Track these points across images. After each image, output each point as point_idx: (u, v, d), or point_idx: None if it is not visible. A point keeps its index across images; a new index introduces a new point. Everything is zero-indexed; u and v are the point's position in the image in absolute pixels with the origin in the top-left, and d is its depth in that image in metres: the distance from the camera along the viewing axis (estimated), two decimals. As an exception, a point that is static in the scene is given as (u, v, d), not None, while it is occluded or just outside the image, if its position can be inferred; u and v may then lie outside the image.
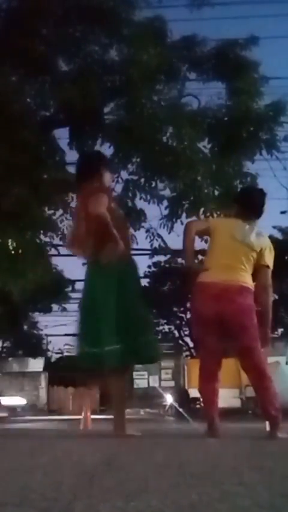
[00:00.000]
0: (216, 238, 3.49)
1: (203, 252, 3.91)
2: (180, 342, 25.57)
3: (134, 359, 3.29)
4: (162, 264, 24.44)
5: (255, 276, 3.45)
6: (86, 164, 3.65)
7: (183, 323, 25.88)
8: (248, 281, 3.39)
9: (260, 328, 3.33)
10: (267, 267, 3.47)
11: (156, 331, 3.98)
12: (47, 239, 8.37)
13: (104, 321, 3.15)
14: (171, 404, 16.57)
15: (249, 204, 3.62)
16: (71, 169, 8.29)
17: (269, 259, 3.49)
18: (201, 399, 3.55)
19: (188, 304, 25.00)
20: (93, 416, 7.00)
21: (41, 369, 26.54)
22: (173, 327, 26.81)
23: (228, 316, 3.29)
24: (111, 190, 3.77)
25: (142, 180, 8.13)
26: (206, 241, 4.39)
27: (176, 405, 15.70)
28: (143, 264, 25.45)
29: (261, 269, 3.46)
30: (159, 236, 8.77)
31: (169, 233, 8.15)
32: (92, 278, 3.30)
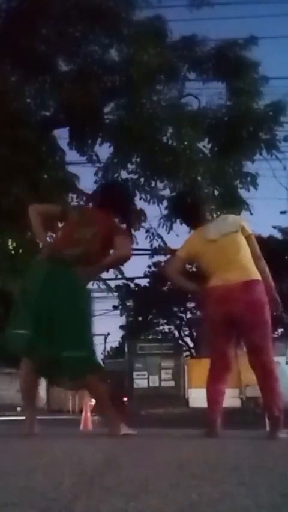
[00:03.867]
0: (199, 254, 3.50)
1: None
2: (180, 342, 25.60)
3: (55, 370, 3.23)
4: (162, 264, 24.45)
5: None
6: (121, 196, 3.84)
7: (183, 322, 25.91)
8: (252, 272, 3.33)
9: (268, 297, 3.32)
10: (251, 235, 3.47)
11: (94, 350, 3.77)
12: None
13: (31, 310, 3.12)
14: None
15: (186, 210, 3.76)
16: (71, 169, 8.32)
17: (248, 227, 3.49)
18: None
19: (188, 304, 25.05)
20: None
21: (41, 369, 26.55)
22: (173, 327, 26.84)
23: (238, 315, 3.26)
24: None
25: (142, 180, 8.14)
26: None
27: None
28: (143, 264, 25.51)
29: (247, 239, 3.44)
30: (159, 236, 8.78)
31: (168, 233, 8.17)
32: (43, 274, 3.25)
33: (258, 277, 3.33)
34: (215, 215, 7.36)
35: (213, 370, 3.44)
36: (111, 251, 3.41)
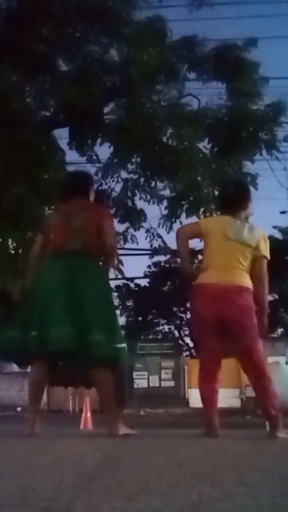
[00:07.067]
0: (210, 240, 3.48)
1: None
2: (180, 342, 25.57)
3: (84, 358, 3.17)
4: (162, 264, 24.45)
5: (251, 267, 3.43)
6: (81, 182, 3.73)
7: (183, 322, 25.88)
8: (247, 281, 3.37)
9: (257, 320, 3.32)
10: (264, 257, 3.44)
11: (121, 335, 3.71)
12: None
13: (50, 308, 3.15)
14: None
15: (226, 195, 3.73)
16: (71, 169, 8.31)
17: (265, 249, 3.45)
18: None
19: (188, 304, 25.01)
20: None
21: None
22: (173, 327, 26.82)
23: (229, 318, 3.29)
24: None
25: (142, 180, 8.14)
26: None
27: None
28: (143, 264, 25.51)
29: (257, 260, 3.43)
30: (159, 236, 8.79)
31: (168, 233, 8.17)
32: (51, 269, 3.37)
33: (251, 287, 3.36)
34: (214, 215, 7.40)
35: (204, 369, 3.45)
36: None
